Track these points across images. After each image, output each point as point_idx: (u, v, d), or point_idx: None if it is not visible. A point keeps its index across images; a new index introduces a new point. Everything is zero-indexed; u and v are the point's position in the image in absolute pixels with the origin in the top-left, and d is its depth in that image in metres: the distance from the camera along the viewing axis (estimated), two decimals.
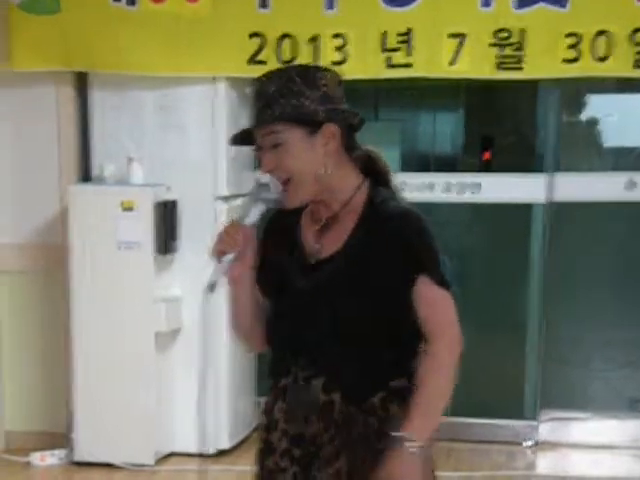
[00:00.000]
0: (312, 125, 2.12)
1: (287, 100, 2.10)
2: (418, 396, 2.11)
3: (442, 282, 2.14)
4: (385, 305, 2.12)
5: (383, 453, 2.12)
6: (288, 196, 2.14)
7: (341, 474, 2.16)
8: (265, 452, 2.25)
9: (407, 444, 2.08)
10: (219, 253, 2.14)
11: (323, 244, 2.19)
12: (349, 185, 2.19)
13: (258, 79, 2.17)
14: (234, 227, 2.16)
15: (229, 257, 2.14)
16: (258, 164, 2.18)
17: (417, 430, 2.09)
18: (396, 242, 2.11)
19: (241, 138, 2.23)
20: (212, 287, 2.15)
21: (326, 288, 2.15)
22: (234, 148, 4.92)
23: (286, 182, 2.12)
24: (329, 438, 2.16)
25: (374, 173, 2.25)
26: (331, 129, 2.13)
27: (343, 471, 2.16)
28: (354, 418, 2.16)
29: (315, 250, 2.20)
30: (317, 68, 2.22)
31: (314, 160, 2.13)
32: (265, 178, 2.16)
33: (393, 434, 2.10)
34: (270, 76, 2.15)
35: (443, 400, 2.14)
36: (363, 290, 2.12)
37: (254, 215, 2.16)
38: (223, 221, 2.14)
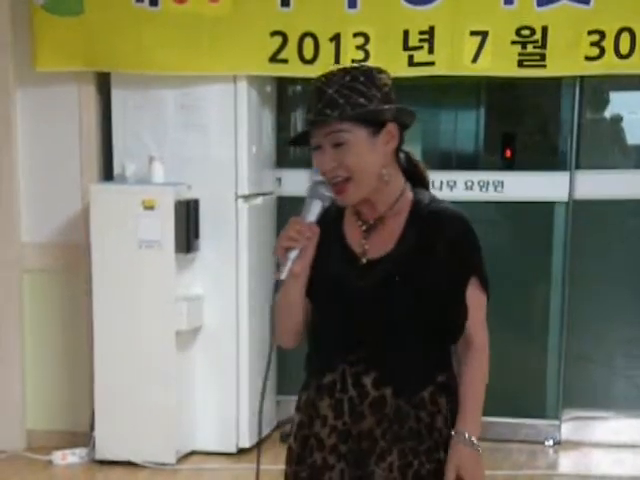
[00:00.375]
0: (376, 125, 2.15)
1: (352, 99, 2.11)
2: (470, 392, 2.23)
3: (486, 285, 2.25)
4: (438, 305, 2.19)
5: (435, 448, 2.22)
6: (345, 194, 2.17)
7: (393, 468, 2.20)
8: (311, 448, 2.27)
9: (472, 439, 2.19)
10: (284, 250, 2.15)
11: (371, 245, 2.23)
12: (396, 186, 2.23)
13: (317, 79, 2.18)
14: (298, 223, 2.16)
15: (294, 253, 2.15)
16: (315, 162, 2.19)
17: (474, 425, 2.21)
18: (449, 244, 2.18)
19: (297, 138, 2.29)
20: (277, 286, 2.16)
21: (381, 288, 2.18)
22: (255, 147, 4.96)
23: (345, 181, 2.15)
24: (381, 433, 2.20)
25: (413, 175, 2.29)
26: (392, 129, 2.17)
27: (395, 465, 2.20)
28: (406, 412, 2.21)
29: (364, 251, 2.23)
30: (377, 69, 2.22)
31: (375, 160, 2.16)
32: (320, 176, 2.19)
33: (457, 431, 2.20)
34: (331, 76, 2.16)
35: (484, 396, 2.26)
36: (418, 291, 2.17)
37: (315, 211, 2.18)
38: (291, 218, 2.18)
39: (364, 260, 2.23)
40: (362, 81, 2.13)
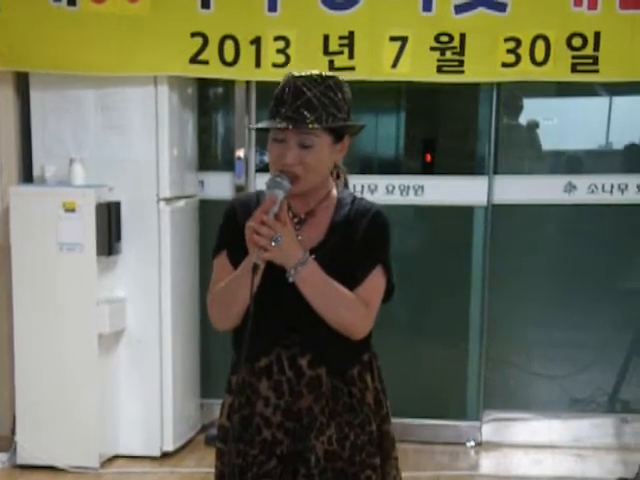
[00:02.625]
0: (339, 135, 2.39)
1: (327, 108, 2.33)
2: (336, 285, 2.36)
3: (389, 273, 2.45)
4: (354, 289, 2.41)
5: (367, 421, 2.46)
6: (296, 186, 2.35)
7: (332, 441, 2.43)
8: (257, 427, 2.44)
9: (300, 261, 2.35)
10: (261, 245, 2.28)
11: (303, 237, 2.41)
12: (328, 185, 2.48)
13: (297, 77, 2.37)
14: (265, 215, 2.29)
15: (279, 240, 2.29)
16: (275, 154, 2.37)
17: (311, 269, 2.34)
18: (365, 235, 2.41)
19: (269, 124, 2.41)
20: (255, 269, 2.29)
21: None
22: (176, 149, 4.96)
23: (298, 177, 2.35)
24: (320, 409, 2.42)
25: (336, 176, 2.55)
26: (347, 141, 2.44)
27: (334, 439, 2.43)
28: (340, 389, 2.44)
29: (300, 242, 2.38)
30: (345, 82, 2.43)
31: (329, 164, 2.43)
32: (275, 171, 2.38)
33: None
34: (310, 79, 2.36)
35: (338, 307, 2.37)
36: (343, 277, 2.37)
37: (279, 197, 2.31)
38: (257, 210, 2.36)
39: None
40: (335, 92, 2.35)
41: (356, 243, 2.42)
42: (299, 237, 2.40)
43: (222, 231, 2.54)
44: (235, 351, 2.52)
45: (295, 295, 2.35)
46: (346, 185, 2.58)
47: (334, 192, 2.50)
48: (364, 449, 2.46)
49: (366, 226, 2.42)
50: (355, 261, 2.40)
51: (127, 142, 4.85)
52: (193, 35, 4.77)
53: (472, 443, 5.34)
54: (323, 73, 2.40)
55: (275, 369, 2.43)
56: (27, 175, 5.05)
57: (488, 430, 5.37)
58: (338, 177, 2.56)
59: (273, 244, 2.28)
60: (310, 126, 2.32)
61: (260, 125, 2.48)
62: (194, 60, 4.80)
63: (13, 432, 4.90)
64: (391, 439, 2.57)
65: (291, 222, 2.40)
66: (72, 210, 4.69)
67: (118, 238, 4.86)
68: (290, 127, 2.32)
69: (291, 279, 2.33)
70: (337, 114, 2.35)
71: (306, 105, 2.32)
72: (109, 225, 4.77)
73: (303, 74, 2.38)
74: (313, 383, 2.42)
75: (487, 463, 5.20)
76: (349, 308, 2.38)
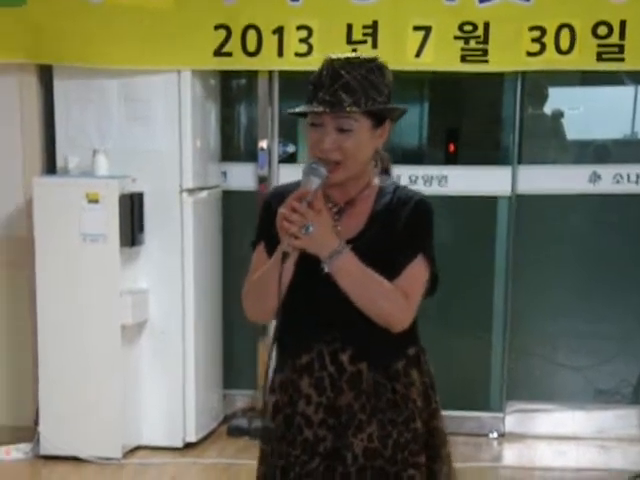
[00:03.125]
0: (379, 119, 2.28)
1: (367, 91, 2.23)
2: (376, 276, 2.26)
3: (431, 264, 2.34)
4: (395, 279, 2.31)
5: (412, 418, 2.35)
6: (335, 174, 2.26)
7: (373, 438, 2.34)
8: (299, 426, 2.36)
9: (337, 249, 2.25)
10: (291, 233, 2.19)
11: (342, 226, 2.33)
12: (369, 173, 2.38)
13: (334, 60, 2.28)
14: (299, 201, 2.21)
15: (310, 228, 2.20)
16: (313, 138, 2.27)
17: (347, 259, 2.25)
18: (406, 224, 2.30)
19: (302, 111, 2.33)
20: (285, 257, 2.22)
21: None
22: (199, 140, 4.96)
23: (336, 163, 2.25)
24: (360, 407, 2.33)
25: (380, 163, 2.44)
26: (388, 125, 2.32)
27: (375, 436, 2.34)
28: (382, 385, 2.35)
29: (337, 232, 2.29)
30: (386, 65, 2.33)
31: (369, 150, 2.30)
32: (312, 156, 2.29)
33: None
34: (347, 61, 2.27)
35: (375, 297, 2.28)
36: (383, 267, 2.27)
37: (314, 185, 2.23)
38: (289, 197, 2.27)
39: None
40: (376, 75, 2.25)
41: (397, 232, 2.31)
42: (338, 227, 2.32)
43: (259, 223, 2.45)
44: (277, 349, 2.43)
45: (332, 289, 2.26)
46: (388, 172, 2.47)
47: (375, 180, 2.40)
48: (407, 447, 2.35)
49: (408, 214, 2.31)
50: (396, 250, 2.30)
51: (150, 133, 4.85)
52: (217, 27, 4.77)
53: (495, 434, 5.33)
54: (363, 55, 2.32)
55: (316, 366, 2.35)
56: (50, 166, 5.06)
57: (511, 421, 5.35)
58: (381, 165, 2.44)
59: (304, 232, 2.19)
60: (348, 109, 2.23)
61: (297, 110, 2.35)
62: (218, 52, 4.80)
63: (36, 423, 4.92)
64: (441, 435, 2.46)
65: (329, 211, 2.31)
66: (95, 201, 4.69)
67: (141, 229, 4.86)
68: (327, 110, 2.23)
69: (326, 269, 2.25)
70: (377, 97, 2.25)
71: (344, 88, 2.23)
72: (132, 216, 4.78)
73: (342, 56, 2.30)
74: (354, 379, 2.34)
75: (510, 454, 5.20)
76: (387, 298, 2.28)
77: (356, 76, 2.24)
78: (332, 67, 2.26)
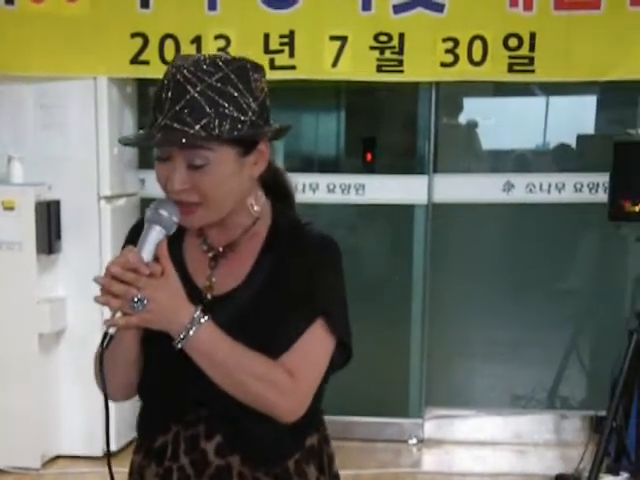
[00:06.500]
0: (247, 144, 1.72)
1: (222, 109, 1.66)
2: (263, 359, 1.74)
3: (336, 329, 1.79)
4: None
5: None
6: (192, 217, 1.73)
7: None
8: None
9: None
10: (115, 309, 1.68)
11: (218, 277, 1.81)
12: (250, 208, 1.82)
13: (177, 67, 1.68)
14: (131, 260, 1.68)
15: (144, 301, 1.68)
16: (161, 177, 1.73)
17: (204, 334, 1.71)
18: (306, 274, 1.77)
19: (137, 140, 1.92)
20: (108, 340, 1.73)
21: (228, 331, 1.73)
22: (116, 147, 4.94)
23: (194, 205, 1.72)
24: None
25: (276, 189, 1.89)
26: (264, 148, 1.75)
27: None
28: None
29: (210, 285, 1.82)
30: (252, 66, 1.74)
31: (238, 185, 1.74)
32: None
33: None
34: (195, 67, 1.67)
35: (247, 383, 1.73)
36: (272, 331, 1.75)
37: (153, 242, 1.71)
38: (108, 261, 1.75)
39: (209, 296, 1.81)
40: (235, 84, 1.67)
41: (290, 286, 1.76)
42: (213, 278, 1.80)
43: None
44: (137, 425, 1.95)
45: (193, 362, 1.74)
46: (288, 198, 1.90)
47: (268, 215, 1.84)
48: None
49: (306, 262, 1.76)
50: (287, 311, 1.75)
51: (67, 140, 4.83)
52: (133, 36, 4.78)
53: (414, 440, 5.37)
54: (222, 57, 1.70)
55: (168, 453, 1.80)
56: None
57: (430, 427, 5.41)
58: (278, 191, 1.88)
59: (136, 307, 1.65)
60: (189, 141, 1.64)
61: (126, 141, 1.80)
62: (135, 61, 4.80)
63: None
64: None
65: (205, 258, 1.82)
66: (11, 208, 4.67)
67: (58, 236, 4.84)
68: (161, 143, 1.68)
69: (179, 346, 1.70)
70: (239, 115, 1.67)
71: (190, 108, 1.64)
72: (49, 223, 4.75)
73: (190, 60, 1.68)
74: (220, 476, 1.76)
75: (429, 460, 5.24)
76: (264, 383, 1.71)
77: (204, 89, 1.65)
78: (174, 78, 1.67)
